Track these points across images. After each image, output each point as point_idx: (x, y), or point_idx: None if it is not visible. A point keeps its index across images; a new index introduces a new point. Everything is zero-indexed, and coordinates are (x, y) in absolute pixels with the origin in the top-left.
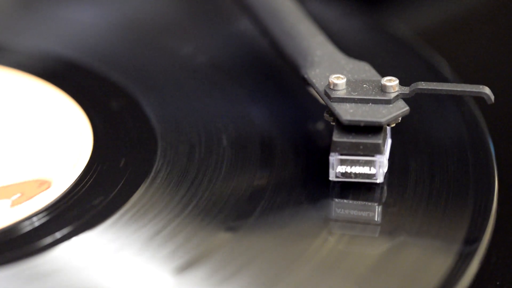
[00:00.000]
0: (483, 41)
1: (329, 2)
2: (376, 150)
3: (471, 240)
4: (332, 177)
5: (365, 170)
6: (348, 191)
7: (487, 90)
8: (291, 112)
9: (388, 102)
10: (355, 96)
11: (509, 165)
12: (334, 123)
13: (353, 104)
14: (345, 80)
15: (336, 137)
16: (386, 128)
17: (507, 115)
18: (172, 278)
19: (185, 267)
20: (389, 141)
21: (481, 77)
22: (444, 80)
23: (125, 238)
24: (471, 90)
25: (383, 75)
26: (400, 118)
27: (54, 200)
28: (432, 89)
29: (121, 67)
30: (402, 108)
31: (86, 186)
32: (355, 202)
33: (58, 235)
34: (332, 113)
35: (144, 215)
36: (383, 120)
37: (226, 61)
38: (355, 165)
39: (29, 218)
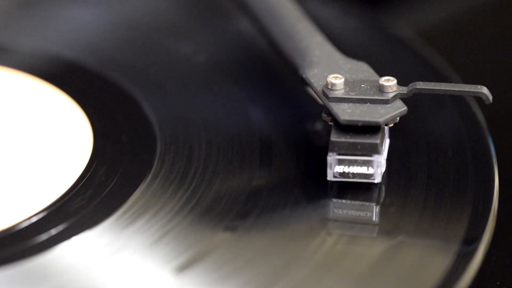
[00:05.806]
0: (483, 41)
1: (328, 1)
2: (374, 150)
3: (471, 240)
4: (330, 177)
5: (363, 170)
6: (346, 191)
7: (485, 90)
8: (290, 112)
9: (386, 102)
10: (353, 96)
11: (509, 165)
12: (332, 123)
13: (351, 104)
14: (343, 80)
15: (334, 137)
16: (384, 128)
17: (507, 115)
18: (170, 278)
19: (183, 267)
20: (387, 141)
21: (481, 77)
22: (444, 80)
23: (124, 237)
24: (469, 90)
25: (381, 75)
26: (398, 118)
27: (54, 200)
28: (430, 89)
29: (121, 67)
30: (400, 108)
31: (86, 186)
32: (353, 202)
33: (57, 235)
34: (330, 113)
35: (143, 215)
36: (381, 120)
37: (225, 61)
38: (353, 165)
39: (28, 218)
